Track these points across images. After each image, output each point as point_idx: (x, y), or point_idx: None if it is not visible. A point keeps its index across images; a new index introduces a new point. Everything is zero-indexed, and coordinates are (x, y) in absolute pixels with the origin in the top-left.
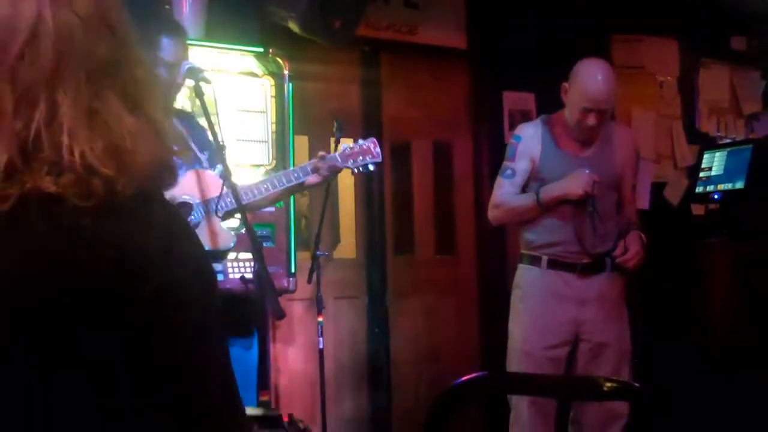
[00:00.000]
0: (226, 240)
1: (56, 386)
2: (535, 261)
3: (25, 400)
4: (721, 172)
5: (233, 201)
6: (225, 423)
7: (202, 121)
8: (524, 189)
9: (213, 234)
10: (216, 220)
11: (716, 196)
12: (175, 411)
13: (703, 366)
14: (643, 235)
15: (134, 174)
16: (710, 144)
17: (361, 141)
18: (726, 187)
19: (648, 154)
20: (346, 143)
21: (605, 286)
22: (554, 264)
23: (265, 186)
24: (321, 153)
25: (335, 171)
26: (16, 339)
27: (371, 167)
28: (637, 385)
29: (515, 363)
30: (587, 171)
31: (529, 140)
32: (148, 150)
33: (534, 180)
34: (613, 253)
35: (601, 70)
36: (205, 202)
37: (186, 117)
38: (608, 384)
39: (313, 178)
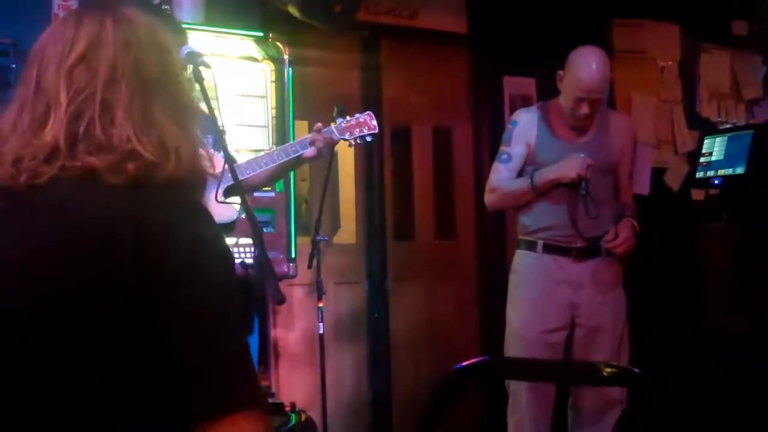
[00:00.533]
0: (229, 213)
1: (68, 365)
2: (530, 246)
3: (34, 372)
4: (722, 157)
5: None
6: (242, 404)
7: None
8: (520, 174)
9: (214, 209)
10: (213, 196)
11: (716, 182)
12: (191, 391)
13: (700, 351)
14: (635, 223)
15: (175, 171)
16: (711, 129)
17: (357, 114)
18: (726, 173)
19: (648, 139)
20: (342, 118)
21: (601, 271)
22: (549, 248)
23: (264, 161)
24: (317, 125)
25: (331, 143)
26: (26, 307)
27: (368, 138)
28: (636, 370)
29: (513, 348)
30: (582, 155)
31: (525, 125)
32: (190, 156)
33: (530, 165)
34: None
35: (595, 60)
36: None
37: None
38: (608, 369)
39: (310, 151)
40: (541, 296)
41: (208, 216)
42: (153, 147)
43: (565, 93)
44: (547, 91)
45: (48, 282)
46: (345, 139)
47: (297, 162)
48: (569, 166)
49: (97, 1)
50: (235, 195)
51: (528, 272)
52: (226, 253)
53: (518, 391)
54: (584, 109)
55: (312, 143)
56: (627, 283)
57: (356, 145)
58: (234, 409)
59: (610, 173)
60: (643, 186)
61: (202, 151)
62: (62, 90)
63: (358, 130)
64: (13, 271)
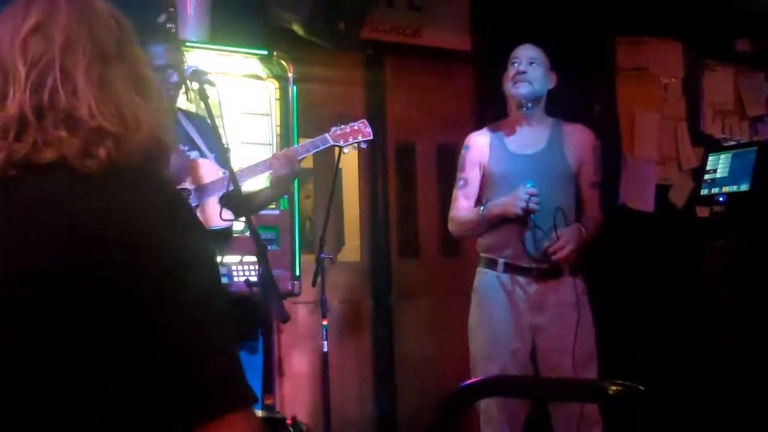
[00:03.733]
0: (220, 221)
1: (41, 368)
2: (491, 264)
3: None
4: (726, 174)
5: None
6: (229, 402)
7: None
8: (481, 194)
9: (207, 218)
10: (210, 204)
11: (721, 199)
12: (176, 390)
13: (705, 368)
14: (583, 229)
15: (138, 139)
16: (715, 146)
17: (351, 122)
18: (731, 190)
19: (652, 156)
20: (336, 126)
21: (563, 291)
22: (510, 268)
23: (259, 168)
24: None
25: (293, 160)
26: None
27: (363, 145)
28: (642, 388)
29: (480, 368)
30: (528, 185)
31: (476, 148)
32: (150, 125)
33: (487, 184)
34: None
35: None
36: (200, 188)
37: (195, 118)
38: (613, 387)
39: (274, 164)
40: (502, 317)
41: (191, 216)
42: (113, 117)
43: (505, 80)
44: (551, 108)
45: (30, 282)
46: (338, 146)
47: (266, 197)
48: (513, 202)
49: None
50: (236, 211)
51: (489, 291)
52: (208, 257)
53: (489, 409)
54: (520, 67)
55: (270, 166)
56: (631, 299)
57: (352, 152)
58: (228, 408)
59: (568, 183)
60: (647, 203)
61: (164, 123)
62: (19, 60)
63: (352, 137)
64: None
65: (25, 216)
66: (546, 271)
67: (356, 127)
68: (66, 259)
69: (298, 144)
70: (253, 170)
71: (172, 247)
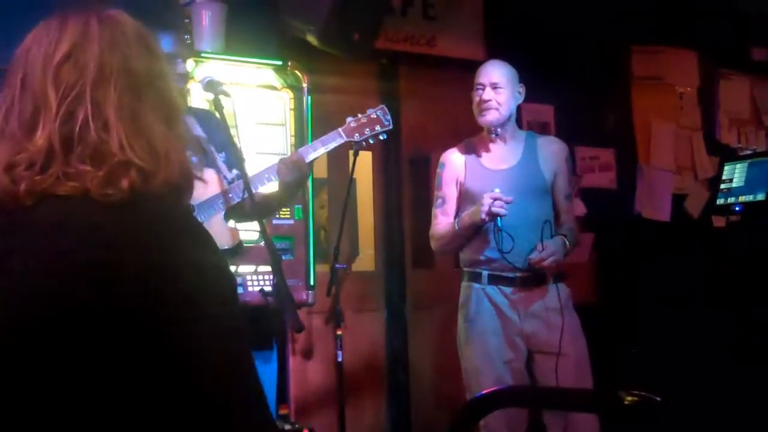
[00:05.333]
0: (232, 237)
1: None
2: (475, 277)
3: (31, 397)
4: (743, 183)
5: (245, 193)
6: (249, 425)
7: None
8: (459, 211)
9: (214, 235)
10: (217, 220)
11: (737, 208)
12: (195, 412)
13: (721, 376)
14: (567, 240)
15: (167, 174)
16: (731, 155)
17: (369, 110)
18: (747, 199)
19: (668, 166)
20: (351, 117)
21: (549, 298)
22: (494, 279)
23: (266, 174)
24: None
25: (300, 164)
26: (22, 339)
27: (381, 137)
28: (658, 398)
29: (475, 382)
30: (495, 190)
31: (451, 166)
32: (180, 159)
33: (464, 200)
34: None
35: (495, 60)
36: (204, 203)
37: (204, 115)
38: (629, 398)
39: (281, 170)
40: (491, 329)
41: (210, 241)
42: (144, 152)
43: (473, 103)
44: (566, 118)
45: (49, 306)
46: (354, 141)
47: (278, 203)
48: (478, 208)
49: (81, 3)
50: (246, 220)
51: (476, 304)
52: (229, 282)
53: (489, 423)
54: (485, 95)
55: (278, 172)
56: (647, 308)
57: (369, 146)
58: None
59: (543, 195)
60: (663, 212)
61: (190, 144)
62: (50, 89)
63: (368, 129)
64: (13, 295)
65: (44, 242)
66: (530, 278)
67: (373, 116)
68: (85, 286)
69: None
70: (259, 178)
71: (192, 275)
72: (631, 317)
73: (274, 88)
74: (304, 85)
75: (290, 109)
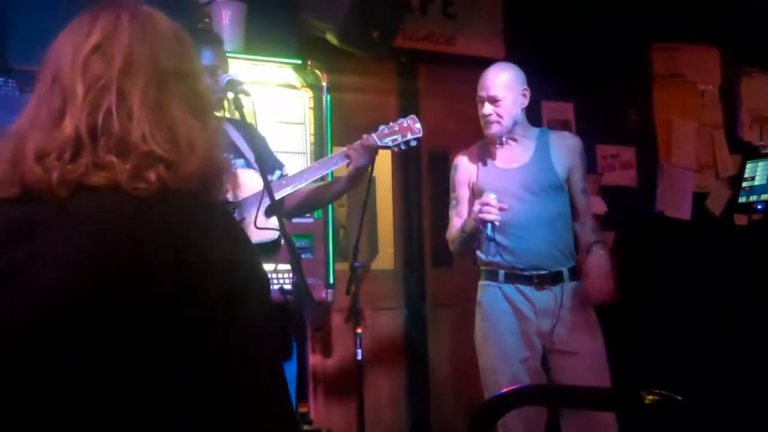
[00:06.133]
0: (270, 233)
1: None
2: (492, 276)
3: (60, 394)
4: (765, 182)
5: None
6: (273, 426)
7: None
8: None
9: (251, 232)
10: (259, 216)
11: (759, 207)
12: (222, 410)
13: (744, 373)
14: (601, 251)
15: (192, 164)
16: (753, 153)
17: (401, 119)
18: None
19: (690, 164)
20: (384, 125)
21: (566, 297)
22: (511, 277)
23: (305, 175)
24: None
25: (371, 149)
26: (60, 331)
27: (413, 143)
28: (679, 398)
29: (491, 381)
30: (485, 197)
31: (464, 167)
32: (205, 148)
33: (478, 200)
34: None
35: (494, 65)
36: (244, 201)
37: (243, 125)
38: (650, 397)
39: (352, 155)
40: (508, 327)
41: (246, 239)
42: (165, 142)
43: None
44: (586, 115)
45: (83, 303)
46: (387, 147)
47: (337, 191)
48: (472, 218)
49: (112, 1)
50: (276, 215)
51: (493, 303)
52: (264, 280)
53: (507, 422)
54: (484, 110)
55: (347, 156)
56: (668, 307)
57: (400, 152)
58: None
59: (557, 192)
60: (685, 211)
61: (218, 143)
62: (78, 80)
63: (400, 135)
64: (46, 291)
65: (79, 234)
66: (546, 277)
67: (405, 124)
68: (119, 278)
69: (331, 153)
70: (326, 163)
71: (226, 270)
72: (652, 316)
73: (293, 87)
74: (324, 83)
75: (310, 108)
